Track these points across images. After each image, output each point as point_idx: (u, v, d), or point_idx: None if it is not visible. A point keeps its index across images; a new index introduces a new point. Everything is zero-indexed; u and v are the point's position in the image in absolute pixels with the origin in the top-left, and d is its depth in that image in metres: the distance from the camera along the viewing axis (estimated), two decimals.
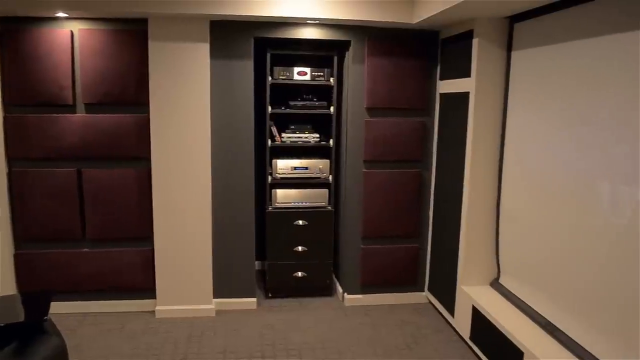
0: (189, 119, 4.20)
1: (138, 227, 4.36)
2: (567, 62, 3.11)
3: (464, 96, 3.99)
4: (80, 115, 4.19)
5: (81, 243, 4.36)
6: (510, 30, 3.78)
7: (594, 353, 2.87)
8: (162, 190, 4.26)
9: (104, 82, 4.16)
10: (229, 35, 4.23)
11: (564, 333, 3.13)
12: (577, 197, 3.01)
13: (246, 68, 4.30)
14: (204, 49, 4.15)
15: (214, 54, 4.22)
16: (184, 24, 4.08)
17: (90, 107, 4.20)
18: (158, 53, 4.10)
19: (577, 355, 2.95)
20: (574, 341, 3.03)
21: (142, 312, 4.47)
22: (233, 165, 4.39)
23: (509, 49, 3.79)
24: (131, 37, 4.14)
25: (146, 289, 4.45)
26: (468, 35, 3.93)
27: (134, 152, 4.26)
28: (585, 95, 2.94)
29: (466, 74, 3.95)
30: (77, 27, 4.10)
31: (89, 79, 4.14)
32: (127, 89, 4.19)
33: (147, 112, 4.20)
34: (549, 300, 3.34)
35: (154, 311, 4.43)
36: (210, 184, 4.33)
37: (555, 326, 3.23)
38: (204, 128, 4.23)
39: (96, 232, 4.34)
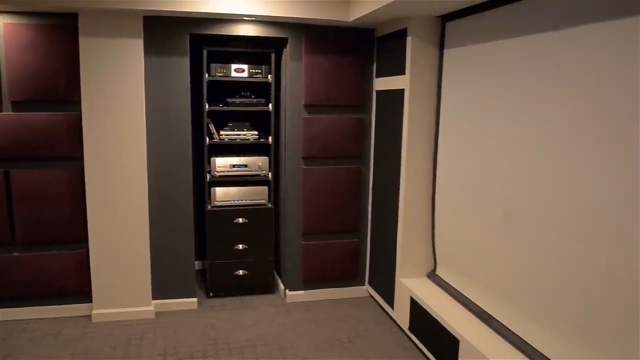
0: (123, 117, 4.10)
1: (72, 229, 4.22)
2: (493, 61, 3.24)
3: (399, 93, 4.08)
4: (6, 114, 4.00)
5: (10, 247, 4.17)
6: (443, 29, 3.90)
7: (525, 339, 3.01)
8: (96, 190, 4.14)
9: (32, 79, 3.99)
10: (164, 31, 4.16)
11: (498, 321, 3.27)
12: (504, 191, 3.14)
13: (182, 65, 4.23)
14: (138, 45, 4.06)
15: (148, 50, 4.13)
16: (116, 19, 3.98)
17: (17, 105, 4.02)
18: (89, 49, 3.98)
19: (510, 342, 3.09)
20: (507, 328, 3.17)
21: (78, 316, 4.33)
22: (170, 163, 4.31)
23: (442, 47, 3.91)
24: (61, 32, 3.98)
25: (81, 292, 4.31)
26: (402, 34, 4.02)
27: (65, 152, 4.12)
28: (509, 92, 3.07)
29: (401, 71, 4.05)
30: (1, 21, 3.92)
31: (15, 76, 3.96)
32: (57, 86, 4.04)
33: (79, 110, 4.07)
34: (482, 290, 3.47)
35: (90, 315, 4.30)
36: (147, 183, 4.24)
37: (489, 314, 3.37)
38: (139, 126, 4.14)
39: (26, 236, 4.17)
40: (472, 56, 3.49)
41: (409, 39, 3.92)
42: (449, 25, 3.81)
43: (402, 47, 4.01)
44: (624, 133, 2.27)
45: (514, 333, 3.10)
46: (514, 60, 3.04)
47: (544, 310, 2.86)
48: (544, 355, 2.83)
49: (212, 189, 4.63)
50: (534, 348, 2.91)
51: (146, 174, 4.22)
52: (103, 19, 3.95)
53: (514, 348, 3.03)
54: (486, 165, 3.35)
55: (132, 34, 4.03)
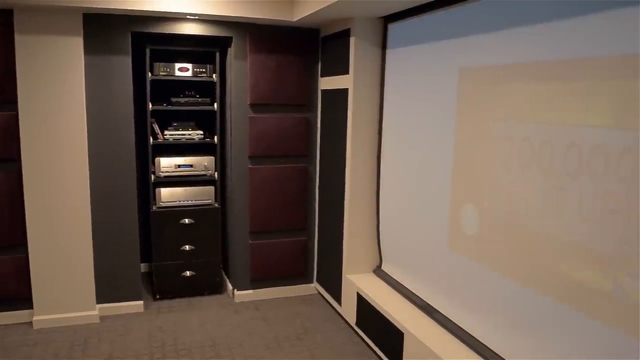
0: (62, 117, 3.98)
1: (9, 233, 4.06)
2: (433, 61, 3.34)
3: (344, 92, 4.14)
4: None
5: None
6: (385, 30, 3.98)
7: (466, 329, 3.12)
8: (35, 192, 4.01)
9: None
10: (105, 29, 4.07)
11: (440, 313, 3.38)
12: (445, 187, 3.25)
13: (124, 64, 4.15)
14: (77, 43, 3.96)
15: (89, 48, 4.03)
16: (54, 16, 3.86)
17: None
18: (26, 47, 3.84)
19: (451, 333, 3.20)
20: (449, 320, 3.28)
21: (18, 323, 4.18)
22: (113, 164, 4.23)
23: (384, 47, 4.00)
24: None
25: (21, 298, 4.16)
26: (345, 34, 4.08)
27: (0, 153, 3.97)
28: (449, 91, 3.18)
29: (345, 71, 4.11)
30: None
31: None
32: None
33: (16, 110, 3.93)
34: (425, 284, 3.58)
35: (31, 322, 4.16)
36: (88, 184, 4.13)
37: (432, 307, 3.47)
38: (80, 126, 4.04)
39: None
40: (413, 57, 3.59)
41: (352, 39, 3.99)
42: (391, 27, 3.90)
43: (346, 47, 4.07)
44: (547, 129, 2.39)
45: (455, 324, 3.21)
46: (453, 61, 3.15)
47: (481, 302, 2.98)
48: (483, 344, 2.95)
49: (157, 189, 4.57)
50: (474, 337, 3.03)
51: (88, 175, 4.12)
52: (40, 15, 3.83)
53: (455, 338, 3.14)
54: (427, 162, 3.44)
55: (72, 31, 3.92)
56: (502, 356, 2.81)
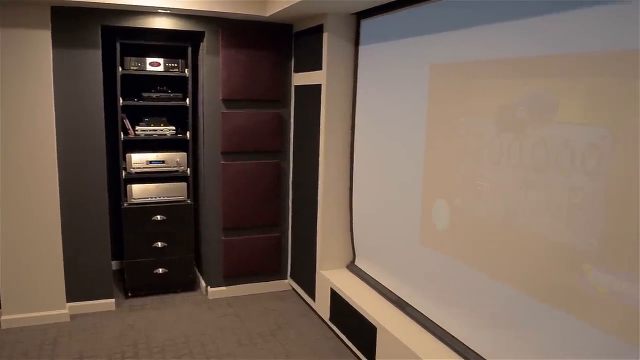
0: (30, 112, 3.90)
1: None
2: (405, 57, 3.37)
3: (317, 88, 4.14)
4: None
5: None
6: (358, 26, 3.99)
7: (437, 322, 3.16)
8: (2, 189, 3.92)
9: None
10: (74, 23, 3.99)
11: (413, 307, 3.41)
12: (417, 182, 3.28)
13: (94, 58, 4.08)
14: (45, 36, 3.88)
15: (57, 42, 3.96)
16: (21, 9, 3.77)
17: None
18: None
19: (423, 326, 3.23)
20: (421, 313, 3.31)
21: None
22: (83, 160, 4.16)
23: (357, 43, 4.00)
24: None
25: None
26: (318, 30, 4.08)
27: None
28: (420, 87, 3.20)
29: (318, 66, 4.11)
30: None
31: None
32: None
33: None
34: (398, 278, 3.61)
35: None
36: (58, 181, 4.06)
37: (405, 301, 3.51)
38: (48, 121, 3.96)
39: None
40: (385, 53, 3.61)
41: (325, 35, 3.98)
42: (364, 23, 3.91)
43: (319, 43, 4.07)
44: (517, 123, 2.43)
45: (427, 318, 3.25)
46: (424, 57, 3.17)
47: (452, 296, 3.02)
48: (455, 338, 2.99)
49: (128, 186, 4.51)
50: (446, 331, 3.06)
51: (57, 171, 4.05)
52: (6, 8, 3.74)
53: (427, 332, 3.17)
54: (400, 157, 3.47)
55: (39, 24, 3.84)
56: (474, 349, 2.85)
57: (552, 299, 2.32)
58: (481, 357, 2.79)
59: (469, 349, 2.87)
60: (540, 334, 2.42)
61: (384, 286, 3.78)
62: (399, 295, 3.58)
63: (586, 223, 2.12)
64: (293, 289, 4.96)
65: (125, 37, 4.36)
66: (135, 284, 4.64)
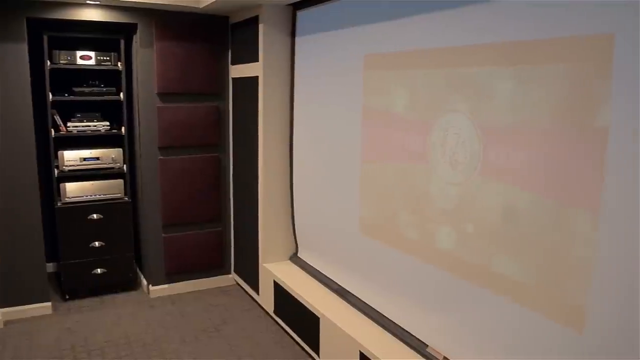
0: None
1: None
2: (340, 48, 3.38)
3: (254, 80, 4.10)
4: None
5: None
6: (294, 17, 3.97)
7: (378, 309, 3.21)
8: None
9: None
10: None
11: (355, 296, 3.45)
12: (355, 173, 3.31)
13: (19, 51, 3.90)
14: None
15: None
16: None
17: None
18: None
19: (364, 313, 3.28)
20: (363, 302, 3.35)
21: None
22: (11, 159, 3.97)
23: (294, 35, 3.99)
24: None
25: None
26: (254, 21, 4.04)
27: None
28: (356, 78, 3.23)
29: (254, 58, 4.07)
30: None
31: None
32: None
33: None
34: (339, 268, 3.64)
35: None
36: None
37: (346, 290, 3.54)
38: None
39: None
40: (321, 44, 3.61)
41: (260, 27, 3.95)
42: (300, 14, 3.90)
43: (255, 35, 4.03)
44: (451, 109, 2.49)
45: (369, 306, 3.29)
46: (359, 48, 3.19)
47: (391, 283, 3.07)
48: (395, 324, 3.05)
49: (61, 184, 4.35)
50: (387, 317, 3.12)
51: None
52: None
53: (369, 320, 3.21)
54: (338, 148, 3.49)
55: None
56: (411, 332, 2.92)
57: (476, 279, 2.39)
58: (417, 338, 2.87)
59: (406, 331, 2.95)
60: (476, 316, 2.49)
61: (326, 276, 3.80)
62: (341, 285, 3.61)
63: (500, 214, 2.20)
64: (237, 283, 4.92)
65: (54, 30, 4.18)
66: (73, 285, 4.49)
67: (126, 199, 4.58)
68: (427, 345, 2.80)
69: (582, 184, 1.89)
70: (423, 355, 2.78)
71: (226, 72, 4.62)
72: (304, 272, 4.03)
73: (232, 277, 4.96)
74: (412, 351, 2.85)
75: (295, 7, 3.93)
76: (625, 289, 1.76)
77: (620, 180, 1.76)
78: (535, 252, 2.11)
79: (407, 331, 2.95)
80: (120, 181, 4.54)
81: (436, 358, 2.71)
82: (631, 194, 1.73)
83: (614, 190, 1.79)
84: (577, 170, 1.91)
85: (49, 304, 4.28)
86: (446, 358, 2.68)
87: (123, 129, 4.52)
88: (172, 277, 4.69)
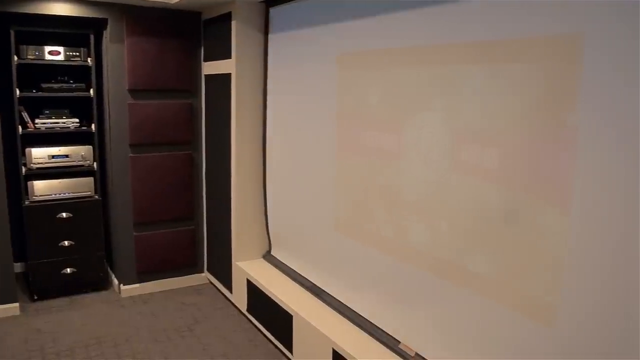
0: None
1: None
2: (313, 46, 3.38)
3: (227, 77, 4.07)
4: None
5: None
6: (267, 14, 3.95)
7: (351, 307, 3.22)
8: None
9: None
10: None
11: (328, 293, 3.45)
12: (328, 171, 3.31)
13: None
14: None
15: None
16: None
17: None
18: None
19: (337, 311, 3.28)
20: (335, 299, 3.36)
21: None
22: None
23: (267, 32, 3.97)
24: None
25: None
26: (227, 18, 4.01)
27: None
28: (329, 75, 3.22)
29: (227, 55, 4.04)
30: None
31: None
32: None
33: None
34: (312, 266, 3.63)
35: None
36: None
37: (319, 288, 3.54)
38: None
39: None
40: (294, 42, 3.60)
41: (233, 23, 3.92)
42: (273, 11, 3.88)
43: (228, 31, 4.00)
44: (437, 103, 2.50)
45: (342, 303, 3.30)
46: (331, 46, 3.19)
47: (364, 280, 3.08)
48: (365, 319, 3.06)
49: (29, 182, 4.25)
50: (360, 315, 3.13)
51: None
52: None
53: (342, 317, 3.22)
54: (312, 146, 3.48)
55: None
56: (382, 328, 2.93)
57: (451, 277, 2.41)
58: (387, 334, 2.89)
59: (379, 328, 2.96)
60: (446, 311, 2.51)
61: (299, 274, 3.79)
62: (314, 282, 3.61)
63: (472, 213, 2.22)
64: (210, 282, 4.88)
65: (21, 24, 4.08)
66: (42, 285, 4.40)
67: (96, 197, 4.50)
68: (400, 342, 2.82)
69: (553, 181, 1.92)
70: (395, 351, 2.80)
71: (199, 68, 4.58)
72: (277, 270, 4.02)
73: (205, 276, 4.91)
74: (384, 348, 2.87)
75: (268, 4, 3.91)
76: (597, 284, 1.80)
77: (590, 177, 1.80)
78: (507, 249, 2.14)
79: (379, 328, 2.97)
80: (90, 179, 4.46)
81: (408, 354, 2.73)
82: (601, 190, 1.77)
83: (584, 187, 1.82)
84: (549, 168, 1.94)
85: (16, 304, 4.18)
86: (418, 354, 2.70)
87: (93, 125, 4.44)
88: (143, 276, 4.63)
